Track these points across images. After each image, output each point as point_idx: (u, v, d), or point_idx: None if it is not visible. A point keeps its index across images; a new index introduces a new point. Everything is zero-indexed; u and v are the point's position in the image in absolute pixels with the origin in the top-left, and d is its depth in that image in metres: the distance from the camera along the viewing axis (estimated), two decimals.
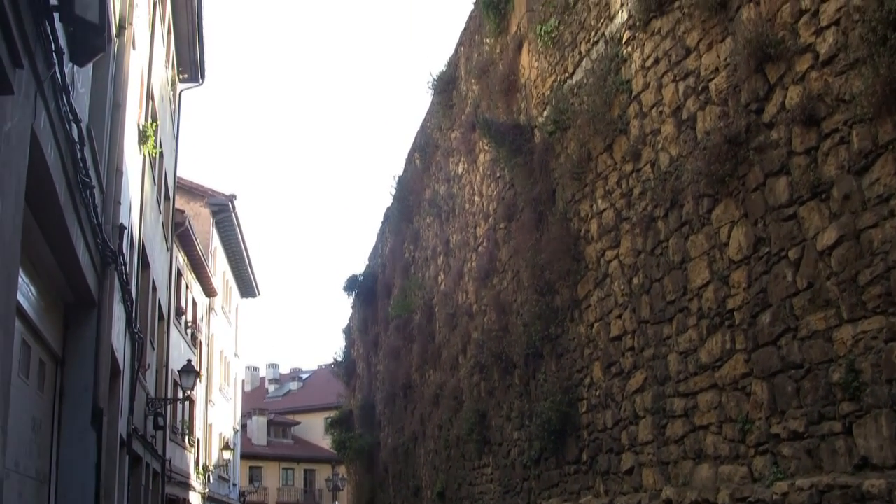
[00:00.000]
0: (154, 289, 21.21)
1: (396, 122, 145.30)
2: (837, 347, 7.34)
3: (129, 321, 15.36)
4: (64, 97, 7.94)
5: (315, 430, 71.11)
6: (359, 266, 38.94)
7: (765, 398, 8.32)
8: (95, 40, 7.54)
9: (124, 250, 13.51)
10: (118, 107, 12.85)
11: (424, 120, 22.54)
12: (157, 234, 21.39)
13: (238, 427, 49.37)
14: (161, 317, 23.51)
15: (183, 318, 29.22)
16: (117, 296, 12.85)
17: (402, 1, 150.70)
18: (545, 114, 13.83)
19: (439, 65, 21.04)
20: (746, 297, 8.65)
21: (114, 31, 12.53)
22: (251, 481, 60.95)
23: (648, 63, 10.75)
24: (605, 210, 11.88)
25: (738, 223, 8.82)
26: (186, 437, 30.37)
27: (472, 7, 17.91)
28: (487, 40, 16.99)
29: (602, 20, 12.12)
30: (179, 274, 28.74)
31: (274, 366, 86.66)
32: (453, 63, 19.66)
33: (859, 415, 7.08)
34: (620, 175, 11.42)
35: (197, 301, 33.38)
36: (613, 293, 11.58)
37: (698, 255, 9.54)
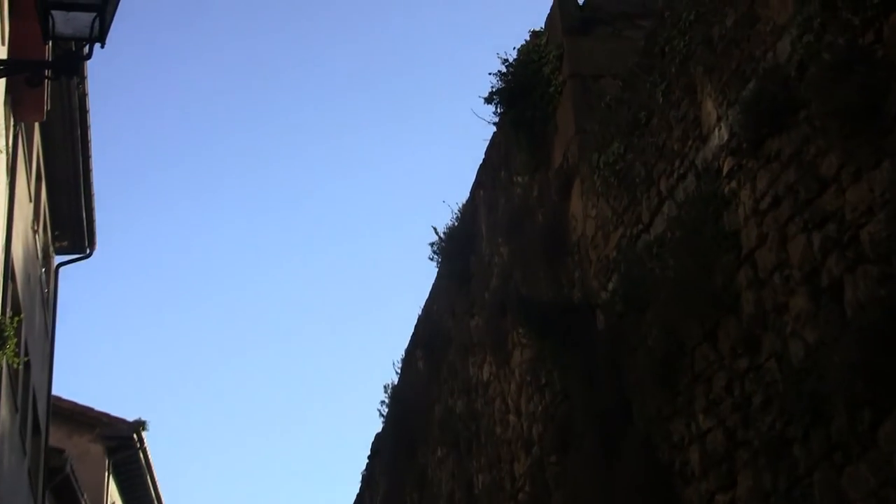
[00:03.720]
0: None
1: (386, 300, 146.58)
2: None
3: None
4: None
5: None
6: None
7: None
8: None
9: None
10: None
11: (428, 300, 22.62)
12: (21, 487, 21.21)
13: None
14: None
15: None
16: None
17: (390, 124, 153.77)
18: (611, 286, 13.84)
19: (445, 215, 20.92)
20: None
21: None
22: None
23: (763, 205, 10.75)
24: (710, 431, 11.74)
25: None
26: None
27: (493, 129, 18.07)
28: (519, 178, 17.15)
29: (691, 142, 12.21)
30: None
31: None
32: (468, 213, 19.83)
33: None
34: (731, 376, 11.32)
35: None
36: None
37: (861, 497, 9.35)
